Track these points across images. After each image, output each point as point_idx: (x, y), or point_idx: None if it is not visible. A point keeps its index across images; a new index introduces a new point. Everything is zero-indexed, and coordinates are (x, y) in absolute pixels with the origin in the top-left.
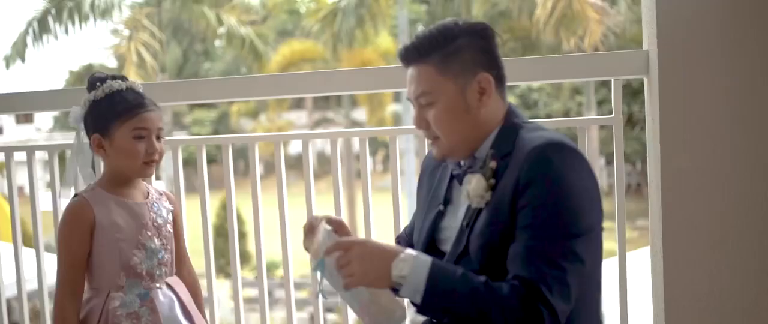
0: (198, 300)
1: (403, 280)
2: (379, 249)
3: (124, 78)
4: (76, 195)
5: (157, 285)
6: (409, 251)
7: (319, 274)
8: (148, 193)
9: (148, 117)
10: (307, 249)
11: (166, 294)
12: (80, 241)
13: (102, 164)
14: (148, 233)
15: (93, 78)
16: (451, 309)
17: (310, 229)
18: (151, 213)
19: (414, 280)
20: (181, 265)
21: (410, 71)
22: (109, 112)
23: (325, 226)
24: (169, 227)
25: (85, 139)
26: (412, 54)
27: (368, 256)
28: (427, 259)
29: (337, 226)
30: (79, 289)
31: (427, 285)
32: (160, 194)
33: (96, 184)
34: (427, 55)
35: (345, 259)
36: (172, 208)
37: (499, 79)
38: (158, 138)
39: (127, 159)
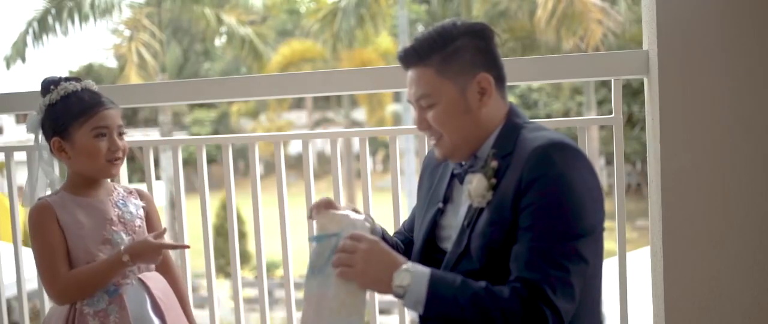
0: (180, 294)
1: (403, 290)
2: (385, 254)
3: (78, 79)
4: (38, 199)
5: (128, 281)
6: (410, 262)
7: (316, 246)
8: (112, 192)
9: (107, 114)
10: (311, 217)
11: (138, 291)
12: (52, 230)
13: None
14: (114, 228)
15: (46, 81)
16: (453, 317)
17: (328, 205)
18: (116, 209)
19: (415, 290)
20: (163, 265)
21: (410, 74)
22: (67, 113)
23: (358, 217)
24: (139, 222)
25: (46, 146)
26: (412, 57)
27: (374, 257)
28: (426, 270)
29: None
30: (60, 274)
31: (428, 295)
32: (130, 192)
33: (61, 189)
34: (427, 57)
35: (352, 246)
36: (144, 205)
37: (500, 79)
38: (120, 135)
39: (89, 159)
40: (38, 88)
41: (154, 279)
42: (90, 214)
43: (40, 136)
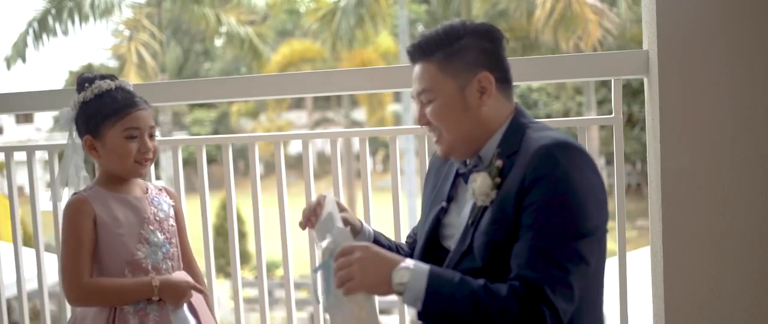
0: (204, 297)
1: (403, 287)
2: (380, 256)
3: (113, 77)
4: (74, 193)
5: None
6: (409, 260)
7: (319, 274)
8: (147, 189)
9: (139, 116)
10: (303, 227)
11: None
12: (85, 228)
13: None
14: (151, 227)
15: (82, 78)
16: (451, 313)
17: (314, 210)
18: (152, 207)
19: (414, 287)
20: (185, 262)
21: (415, 69)
22: (99, 113)
23: (338, 225)
24: (172, 221)
25: (79, 141)
26: (417, 52)
27: (370, 261)
28: (425, 267)
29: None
30: (84, 275)
31: (427, 291)
32: (160, 190)
33: (94, 183)
34: (431, 53)
35: (347, 261)
36: (173, 203)
37: (504, 81)
38: (151, 136)
39: (119, 159)
40: (39, 88)
41: (188, 279)
42: (128, 211)
43: (74, 132)
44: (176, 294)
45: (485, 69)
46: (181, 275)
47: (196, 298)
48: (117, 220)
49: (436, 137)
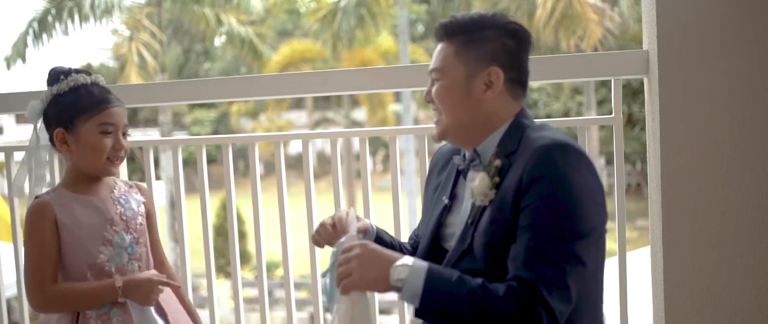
0: (178, 292)
1: (401, 283)
2: (379, 253)
3: (88, 72)
4: (36, 197)
5: None
6: (408, 257)
7: (327, 278)
8: (114, 187)
9: (115, 112)
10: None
11: None
12: (47, 233)
13: (56, 166)
14: (115, 228)
15: (56, 71)
16: (448, 311)
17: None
18: (118, 206)
19: (412, 284)
20: (155, 262)
21: (437, 46)
22: (75, 105)
23: (352, 230)
24: (141, 220)
25: (44, 137)
26: (442, 31)
27: (368, 258)
28: (424, 264)
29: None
30: (53, 280)
31: (425, 288)
32: (130, 186)
33: (59, 184)
34: (453, 35)
35: (345, 258)
36: (144, 200)
37: (516, 82)
38: (124, 135)
39: (92, 155)
40: (39, 88)
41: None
42: (90, 213)
43: (40, 127)
44: (143, 292)
45: (498, 65)
46: (147, 273)
47: (166, 296)
48: (78, 223)
49: (435, 117)
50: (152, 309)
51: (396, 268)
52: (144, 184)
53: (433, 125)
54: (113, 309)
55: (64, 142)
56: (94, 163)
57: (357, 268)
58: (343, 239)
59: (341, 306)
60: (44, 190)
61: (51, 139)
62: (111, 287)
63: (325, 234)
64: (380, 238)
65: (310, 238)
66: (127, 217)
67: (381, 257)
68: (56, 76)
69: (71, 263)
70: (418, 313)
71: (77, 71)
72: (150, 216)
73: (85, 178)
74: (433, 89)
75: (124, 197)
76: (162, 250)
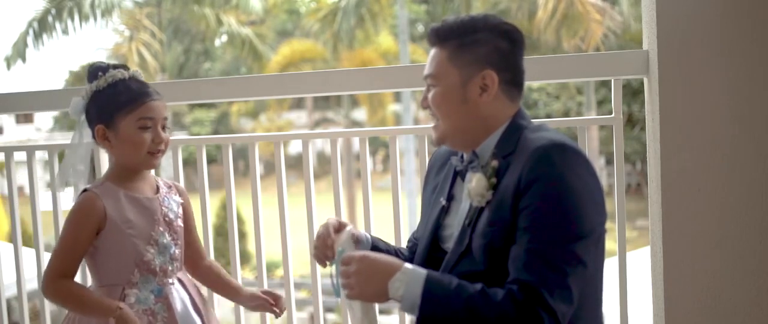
0: (225, 280)
1: (400, 296)
2: (377, 266)
3: (126, 67)
4: (84, 190)
5: (170, 281)
6: (407, 266)
7: (335, 268)
8: (157, 187)
9: (154, 106)
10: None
11: (179, 290)
12: (87, 231)
13: (100, 161)
14: (160, 229)
15: (94, 67)
16: (448, 320)
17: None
18: (163, 208)
19: (410, 296)
20: (200, 259)
21: (430, 51)
22: (114, 101)
23: (347, 231)
24: (180, 222)
25: (87, 133)
26: (434, 36)
27: (366, 273)
28: (421, 274)
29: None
30: (69, 276)
31: (423, 298)
32: (170, 187)
33: (104, 178)
34: (445, 40)
35: (345, 272)
36: (182, 201)
37: (512, 83)
38: (164, 128)
39: (132, 150)
40: (39, 88)
41: (187, 278)
42: (139, 212)
43: (83, 122)
44: None
45: (493, 68)
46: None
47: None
48: (128, 221)
49: (433, 123)
50: (191, 308)
51: (394, 283)
52: (181, 184)
53: (432, 129)
54: (157, 305)
55: (105, 138)
56: (135, 158)
57: (356, 285)
58: (339, 247)
59: (352, 312)
60: (87, 185)
61: (93, 136)
62: (110, 309)
63: (323, 248)
64: (375, 247)
65: (312, 255)
66: (169, 218)
67: (379, 271)
68: (95, 72)
69: (119, 259)
70: (419, 322)
71: (115, 67)
72: (188, 216)
73: (128, 173)
74: (429, 95)
75: (166, 198)
76: (201, 247)
